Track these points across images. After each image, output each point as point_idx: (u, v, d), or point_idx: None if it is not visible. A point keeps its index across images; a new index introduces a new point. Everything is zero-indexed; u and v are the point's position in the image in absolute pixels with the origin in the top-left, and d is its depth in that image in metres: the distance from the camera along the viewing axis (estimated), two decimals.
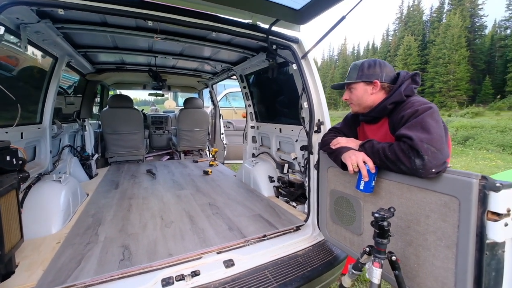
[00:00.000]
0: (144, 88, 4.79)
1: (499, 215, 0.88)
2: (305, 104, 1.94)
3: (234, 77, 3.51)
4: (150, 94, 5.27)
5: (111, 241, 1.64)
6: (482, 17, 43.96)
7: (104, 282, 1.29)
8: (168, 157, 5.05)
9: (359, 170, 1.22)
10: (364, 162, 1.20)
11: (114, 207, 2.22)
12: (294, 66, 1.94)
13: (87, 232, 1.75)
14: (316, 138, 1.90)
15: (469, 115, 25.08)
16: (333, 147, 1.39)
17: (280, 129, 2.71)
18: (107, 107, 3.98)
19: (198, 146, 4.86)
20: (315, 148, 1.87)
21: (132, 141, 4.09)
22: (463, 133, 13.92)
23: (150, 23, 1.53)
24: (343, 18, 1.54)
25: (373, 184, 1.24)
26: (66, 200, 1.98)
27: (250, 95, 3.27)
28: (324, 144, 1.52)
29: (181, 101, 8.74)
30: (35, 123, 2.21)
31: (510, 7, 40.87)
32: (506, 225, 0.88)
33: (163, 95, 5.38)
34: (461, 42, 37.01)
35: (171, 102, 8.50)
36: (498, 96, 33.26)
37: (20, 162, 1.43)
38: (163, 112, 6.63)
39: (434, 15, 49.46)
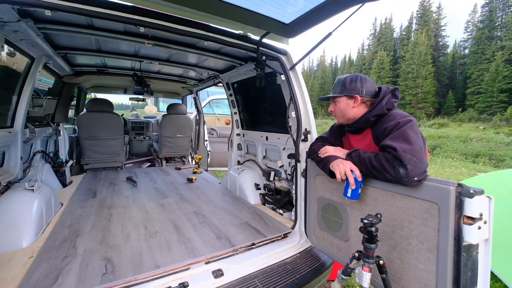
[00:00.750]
0: (125, 92, 4.63)
1: (473, 219, 0.96)
2: (293, 114, 2.01)
3: (220, 84, 3.53)
4: (131, 99, 5.10)
5: (92, 253, 1.54)
6: (444, 37, 48.49)
7: None
8: (149, 164, 4.87)
9: (347, 178, 1.28)
10: (351, 170, 1.27)
11: (92, 217, 2.09)
12: (283, 77, 2.01)
13: (64, 245, 1.63)
14: (303, 147, 1.96)
15: (435, 125, 27.24)
16: (322, 156, 1.45)
17: (267, 137, 2.75)
18: (85, 111, 3.78)
19: (180, 153, 4.75)
20: (302, 156, 1.93)
21: (111, 147, 3.90)
22: (431, 142, 15.07)
23: (142, 29, 1.51)
24: (329, 34, 1.63)
25: (359, 191, 1.31)
26: (39, 210, 1.83)
27: (236, 102, 3.29)
28: (312, 153, 1.58)
29: (162, 106, 8.55)
30: (6, 127, 2.04)
31: (468, 30, 45.52)
32: (479, 228, 0.97)
33: (144, 100, 5.23)
34: (427, 59, 40.42)
35: (151, 107, 8.26)
36: (460, 109, 36.59)
37: None
38: (144, 117, 6.42)
39: (404, 33, 53.63)
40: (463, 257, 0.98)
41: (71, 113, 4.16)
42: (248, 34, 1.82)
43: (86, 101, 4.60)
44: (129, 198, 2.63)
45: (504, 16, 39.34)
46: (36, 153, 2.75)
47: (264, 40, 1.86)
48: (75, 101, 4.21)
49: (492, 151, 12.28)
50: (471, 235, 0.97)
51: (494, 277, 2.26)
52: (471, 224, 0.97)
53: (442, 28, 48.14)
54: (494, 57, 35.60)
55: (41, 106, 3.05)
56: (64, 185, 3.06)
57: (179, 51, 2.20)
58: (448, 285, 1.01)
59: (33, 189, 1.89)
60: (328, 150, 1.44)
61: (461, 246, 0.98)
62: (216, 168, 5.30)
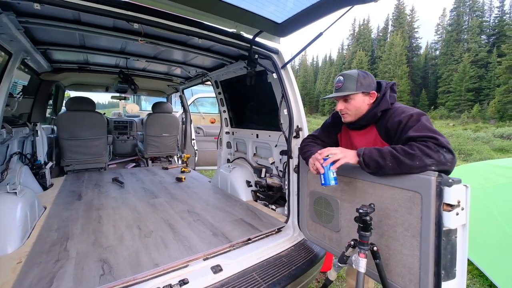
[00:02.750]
0: (107, 90, 4.45)
1: (452, 206, 1.08)
2: (285, 111, 2.07)
3: (208, 82, 3.51)
4: (113, 97, 4.91)
5: (85, 256, 1.50)
6: (417, 39, 51.29)
7: None
8: (134, 164, 4.74)
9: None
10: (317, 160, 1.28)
11: (81, 220, 2.03)
12: (274, 75, 2.06)
13: (54, 249, 1.58)
14: (295, 143, 2.03)
15: None
16: (330, 160, 1.30)
17: (257, 135, 2.80)
18: (65, 110, 3.60)
19: (167, 153, 4.66)
20: (295, 152, 2.00)
21: (94, 148, 3.75)
22: None
23: (136, 26, 1.48)
24: (320, 34, 1.70)
25: (332, 175, 1.28)
26: (24, 214, 1.75)
27: (225, 101, 3.31)
28: (302, 151, 1.61)
29: (144, 104, 8.30)
30: None
31: (438, 32, 48.44)
32: (457, 214, 1.08)
33: (127, 98, 5.05)
34: (402, 59, 42.58)
35: (133, 106, 7.99)
36: (432, 107, 39.02)
37: None
38: (126, 116, 6.20)
39: (381, 34, 55.94)
40: (443, 241, 1.09)
41: (48, 112, 3.93)
42: (241, 32, 1.85)
43: (64, 100, 4.37)
44: (118, 199, 2.56)
45: (470, 20, 42.36)
46: (13, 154, 2.59)
47: (257, 39, 1.90)
48: (52, 100, 3.99)
49: (461, 146, 13.19)
50: (450, 220, 1.08)
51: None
52: (450, 211, 1.08)
53: (415, 30, 50.87)
54: (462, 58, 38.30)
55: (8, 105, 2.87)
56: (45, 188, 2.91)
57: (169, 48, 2.18)
58: (430, 267, 1.12)
59: (15, 192, 1.79)
60: (333, 151, 1.29)
61: (441, 231, 1.09)
62: (203, 167, 5.26)
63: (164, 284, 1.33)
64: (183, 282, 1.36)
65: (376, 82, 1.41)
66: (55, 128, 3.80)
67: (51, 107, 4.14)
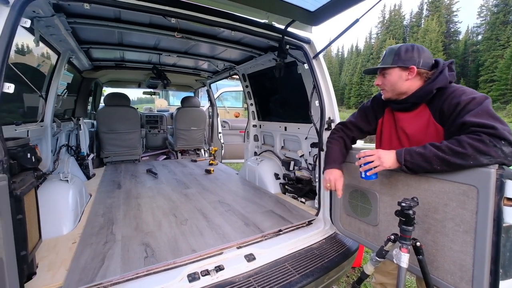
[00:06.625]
0: (139, 86, 4.69)
1: None
2: (316, 103, 2.01)
3: (236, 76, 3.54)
4: (144, 93, 5.16)
5: (130, 239, 1.62)
6: (456, 23, 46.75)
7: (130, 279, 1.28)
8: (165, 156, 4.97)
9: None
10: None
11: (122, 207, 2.18)
12: (306, 66, 2.01)
13: (102, 232, 1.72)
14: (327, 135, 1.97)
15: None
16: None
17: (286, 127, 2.78)
18: (103, 105, 3.86)
19: (195, 146, 4.82)
20: None
21: (129, 141, 4.00)
22: None
23: (173, 21, 1.53)
24: (356, 21, 1.61)
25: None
26: (74, 200, 1.93)
27: (253, 94, 3.31)
28: (327, 141, 1.57)
29: (172, 100, 8.62)
30: (37, 121, 2.12)
31: (481, 15, 43.68)
32: None
33: (158, 93, 5.29)
34: (438, 47, 39.18)
35: (162, 101, 8.34)
36: None
37: (37, 160, 1.38)
38: (157, 111, 6.51)
39: (414, 20, 51.87)
40: (502, 238, 1.00)
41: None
42: (273, 22, 1.82)
43: (102, 96, 4.69)
44: (153, 189, 2.71)
45: None
46: (62, 146, 2.85)
47: (288, 29, 1.86)
48: (91, 96, 4.30)
49: None
50: (511, 216, 0.98)
51: None
52: (511, 206, 0.98)
53: (454, 13, 46.34)
54: (509, 43, 34.22)
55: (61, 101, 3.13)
56: (88, 177, 3.18)
57: (201, 42, 2.22)
58: (486, 265, 1.03)
59: (67, 180, 1.98)
60: (368, 157, 1.21)
61: (501, 227, 1.00)
62: (229, 160, 5.36)
63: (202, 269, 1.39)
64: (219, 268, 1.41)
65: (435, 61, 1.24)
66: (95, 122, 4.10)
67: (90, 103, 4.48)
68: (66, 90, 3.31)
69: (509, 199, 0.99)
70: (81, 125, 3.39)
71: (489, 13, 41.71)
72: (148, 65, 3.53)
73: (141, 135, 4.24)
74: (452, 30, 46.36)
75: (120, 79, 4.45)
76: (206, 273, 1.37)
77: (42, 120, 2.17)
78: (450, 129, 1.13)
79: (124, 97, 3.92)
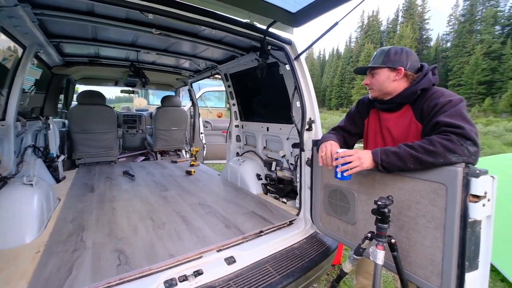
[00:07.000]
0: (116, 84, 4.48)
1: (478, 197, 1.04)
2: (297, 103, 2.03)
3: (218, 76, 3.48)
4: (122, 91, 4.94)
5: (101, 246, 1.52)
6: (428, 30, 49.83)
7: None
8: (143, 157, 4.78)
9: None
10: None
11: (95, 211, 2.05)
12: (287, 67, 2.02)
13: (71, 239, 1.60)
14: (308, 136, 1.99)
15: None
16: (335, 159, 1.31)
17: (268, 128, 2.77)
18: (76, 103, 3.63)
19: (175, 146, 4.69)
20: (307, 145, 1.97)
21: (104, 141, 3.79)
22: None
23: (150, 16, 1.46)
24: (336, 23, 1.65)
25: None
26: (40, 206, 1.78)
27: (235, 94, 3.27)
28: (317, 143, 1.56)
29: (152, 99, 8.34)
30: None
31: (450, 23, 46.92)
32: (483, 205, 1.04)
33: (137, 92, 5.08)
34: None
35: (141, 100, 8.05)
36: None
37: None
38: (136, 110, 6.25)
39: (390, 26, 54.54)
40: (468, 233, 1.06)
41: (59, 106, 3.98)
42: (254, 22, 1.80)
43: (74, 94, 4.42)
44: (130, 192, 2.59)
45: (483, 10, 40.82)
46: (27, 147, 2.64)
47: (270, 30, 1.86)
48: (63, 94, 4.03)
49: None
50: (476, 212, 1.04)
51: None
52: (476, 202, 1.04)
53: (426, 21, 49.41)
54: (474, 50, 37.08)
55: (28, 98, 2.90)
56: (58, 180, 2.96)
57: (181, 40, 2.15)
58: (454, 258, 1.09)
59: (31, 184, 1.82)
60: (348, 157, 1.23)
61: (467, 222, 1.05)
62: (211, 161, 5.28)
63: (179, 275, 1.34)
64: (198, 273, 1.36)
65: (420, 65, 1.31)
66: (66, 122, 3.85)
67: (61, 101, 4.20)
68: (33, 86, 3.08)
69: (474, 195, 1.05)
70: (50, 125, 3.16)
71: (457, 22, 44.91)
72: (126, 63, 3.37)
73: (117, 135, 4.04)
74: (425, 36, 49.33)
75: (95, 76, 4.22)
76: (184, 278, 1.32)
77: (3, 119, 1.99)
78: (425, 129, 1.20)
79: (99, 95, 3.71)
